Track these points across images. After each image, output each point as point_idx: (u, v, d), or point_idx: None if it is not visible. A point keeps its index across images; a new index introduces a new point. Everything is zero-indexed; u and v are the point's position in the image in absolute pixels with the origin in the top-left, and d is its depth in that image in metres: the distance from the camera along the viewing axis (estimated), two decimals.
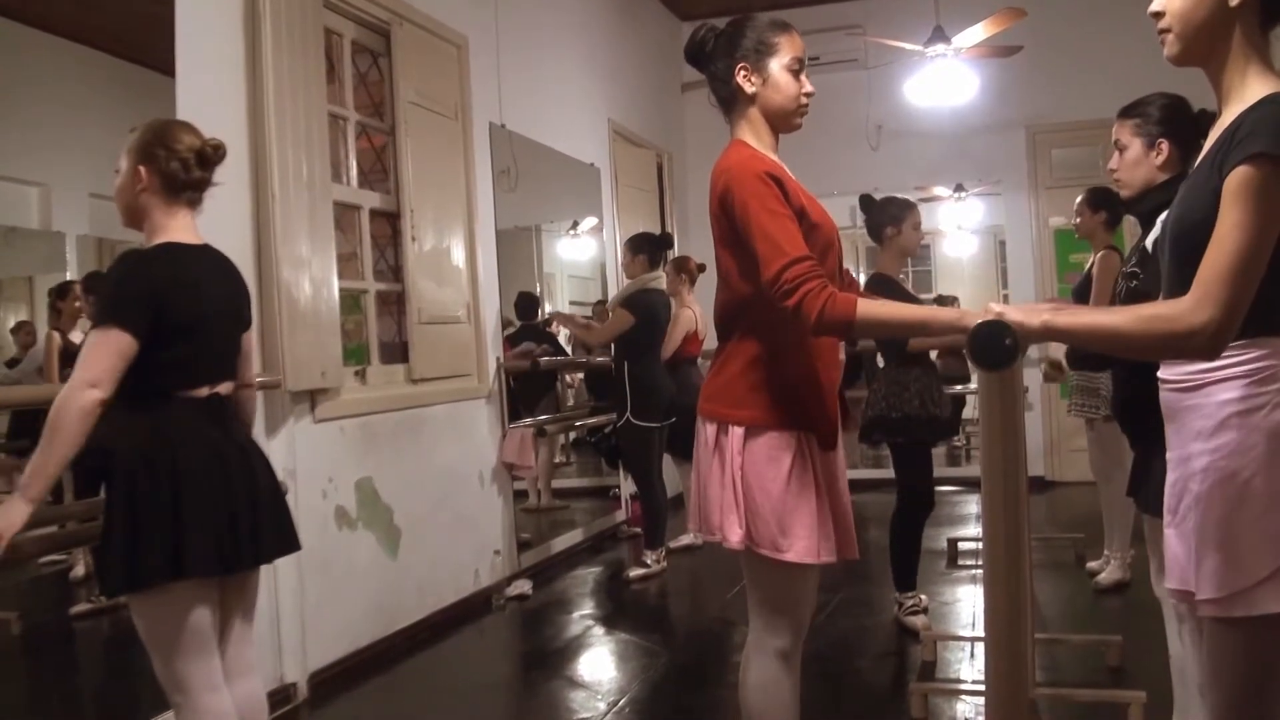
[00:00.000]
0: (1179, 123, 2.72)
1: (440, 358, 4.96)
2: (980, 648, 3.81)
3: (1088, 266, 4.82)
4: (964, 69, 6.91)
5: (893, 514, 4.36)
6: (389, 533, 4.45)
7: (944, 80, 6.91)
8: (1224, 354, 1.58)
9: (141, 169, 2.45)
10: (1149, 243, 2.72)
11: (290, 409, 3.89)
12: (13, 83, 3.45)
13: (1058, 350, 4.67)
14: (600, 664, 4.34)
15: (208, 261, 2.54)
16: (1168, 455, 1.74)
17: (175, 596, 2.37)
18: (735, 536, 2.28)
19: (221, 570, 2.44)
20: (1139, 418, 2.38)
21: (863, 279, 12.54)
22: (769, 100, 2.35)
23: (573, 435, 7.39)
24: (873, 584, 4.99)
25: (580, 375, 7.21)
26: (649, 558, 5.70)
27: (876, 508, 7.00)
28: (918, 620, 4.25)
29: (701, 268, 6.43)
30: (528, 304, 6.40)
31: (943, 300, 10.48)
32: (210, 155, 2.51)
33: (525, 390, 6.06)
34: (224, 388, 2.54)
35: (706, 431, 2.36)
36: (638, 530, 6.34)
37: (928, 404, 4.19)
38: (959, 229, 11.24)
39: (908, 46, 6.81)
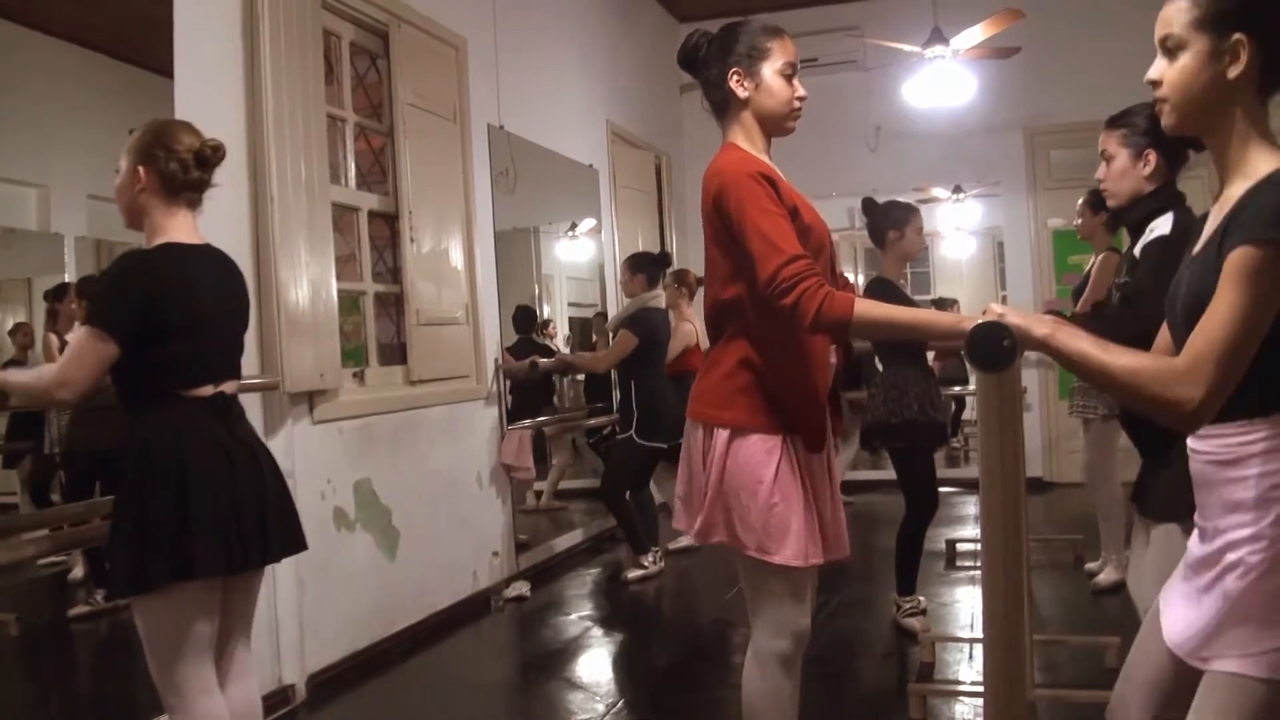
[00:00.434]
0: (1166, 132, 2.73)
1: (438, 359, 4.96)
2: (979, 649, 3.82)
3: (1087, 268, 4.83)
4: (962, 70, 6.91)
5: (902, 522, 4.33)
6: (387, 534, 4.45)
7: (942, 81, 6.91)
8: (1266, 428, 1.58)
9: (141, 169, 2.46)
10: (1138, 250, 2.72)
11: (289, 410, 3.89)
12: (11, 84, 3.44)
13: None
14: (598, 665, 4.34)
15: (208, 261, 2.54)
16: (1197, 523, 1.73)
17: (180, 599, 2.37)
18: (718, 538, 2.29)
19: (228, 571, 2.44)
20: (1150, 429, 2.37)
21: (861, 280, 12.57)
22: (761, 104, 2.36)
23: (572, 438, 7.39)
24: (871, 585, 4.99)
25: (580, 378, 7.21)
26: (646, 560, 5.70)
27: (878, 508, 7.02)
28: (916, 622, 4.25)
29: (700, 280, 6.42)
30: (525, 317, 6.41)
31: (942, 303, 10.48)
32: (209, 156, 2.51)
33: (525, 397, 6.06)
34: (228, 386, 2.55)
35: (694, 434, 2.37)
36: None
37: (927, 408, 4.19)
38: (957, 230, 11.24)
39: (906, 48, 6.82)
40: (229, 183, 3.69)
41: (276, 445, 3.77)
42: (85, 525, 3.17)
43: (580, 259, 7.48)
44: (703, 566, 6.07)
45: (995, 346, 1.71)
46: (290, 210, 3.84)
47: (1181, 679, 1.73)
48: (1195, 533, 1.73)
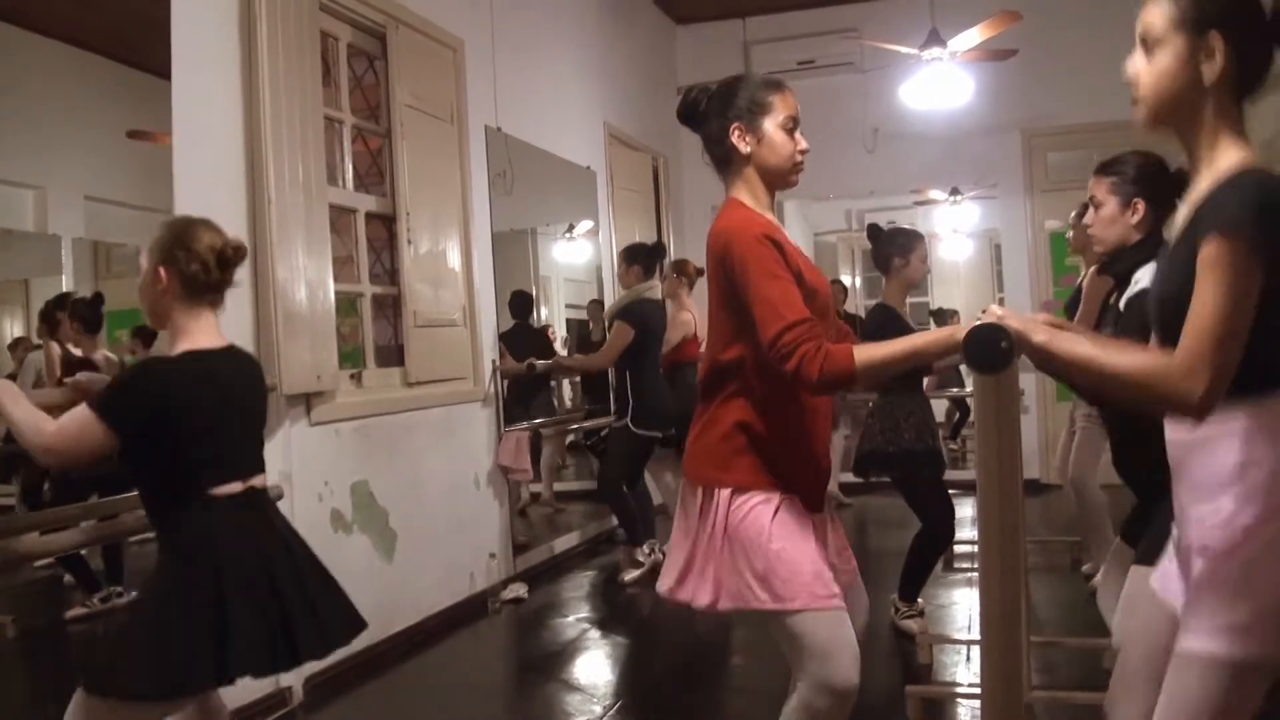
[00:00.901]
0: (1155, 182, 2.75)
1: (436, 361, 4.96)
2: (976, 650, 3.82)
3: (1079, 280, 4.82)
4: (960, 72, 6.92)
5: (920, 531, 4.30)
6: (384, 536, 4.45)
7: (940, 83, 6.92)
8: (1229, 412, 1.60)
9: (162, 271, 2.46)
10: (1123, 303, 2.73)
11: (286, 412, 3.89)
12: (8, 85, 3.44)
13: None
14: (596, 667, 4.34)
15: (230, 363, 2.55)
16: (1175, 510, 1.75)
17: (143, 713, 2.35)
18: (734, 604, 2.24)
19: (270, 670, 2.45)
20: (1144, 475, 2.38)
21: (858, 282, 12.49)
22: (764, 160, 2.34)
23: (570, 439, 7.39)
24: (869, 587, 4.98)
25: (576, 379, 7.21)
26: (639, 554, 5.69)
27: (873, 511, 7.02)
28: (913, 623, 4.24)
29: (700, 271, 6.42)
30: (522, 302, 6.40)
31: (941, 313, 10.47)
32: (230, 256, 2.52)
33: (520, 393, 6.05)
34: (257, 480, 2.55)
35: (692, 495, 2.33)
36: None
37: (924, 436, 4.18)
38: (954, 232, 11.24)
39: (903, 50, 6.82)
40: (226, 184, 3.70)
41: (274, 447, 3.77)
42: (77, 529, 3.17)
43: (577, 260, 7.48)
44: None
45: (993, 348, 1.71)
46: (288, 212, 3.84)
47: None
48: (1174, 519, 1.76)
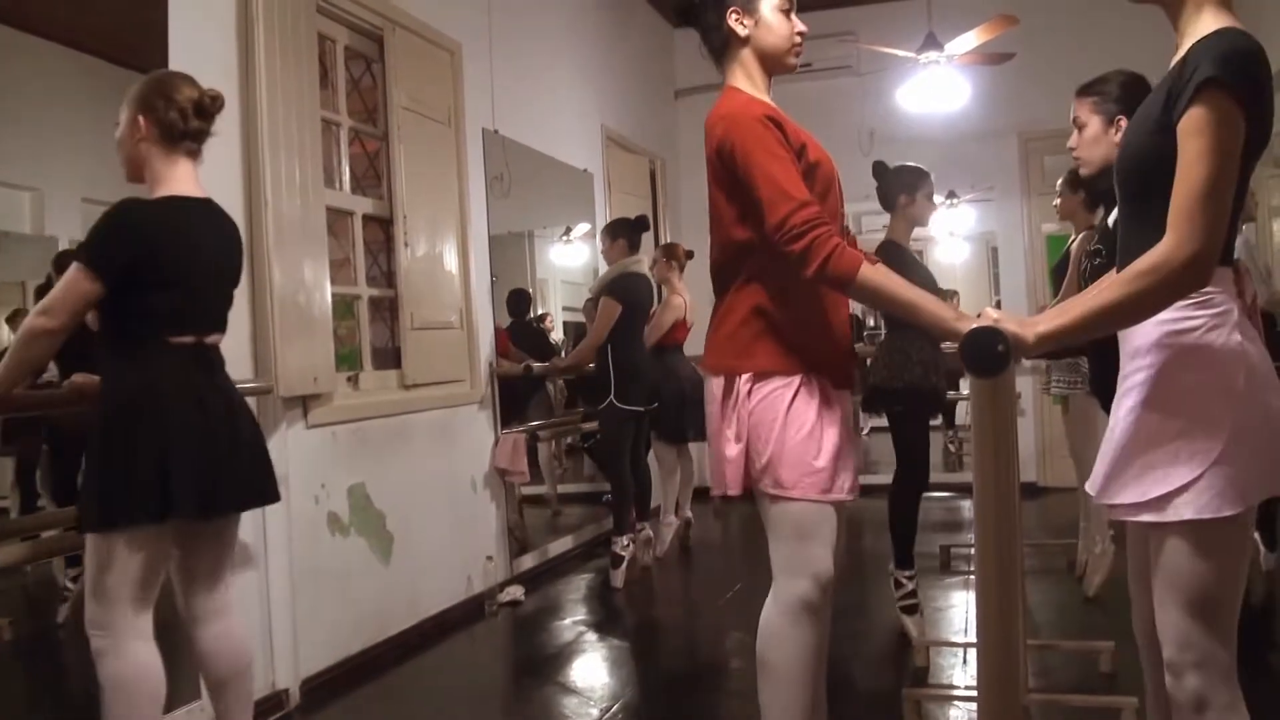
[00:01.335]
0: (1138, 99, 2.74)
1: (433, 363, 4.95)
2: (973, 653, 3.82)
3: (1067, 246, 4.83)
4: (956, 76, 6.92)
5: (891, 486, 4.32)
6: (381, 539, 4.45)
7: (937, 87, 6.92)
8: None
9: (140, 119, 2.49)
10: (1111, 220, 2.73)
11: (282, 414, 3.89)
12: (6, 87, 3.44)
13: None
14: (593, 670, 4.33)
15: (205, 214, 2.58)
16: (1119, 378, 1.79)
17: (136, 538, 2.39)
18: (739, 482, 2.26)
19: (200, 514, 2.47)
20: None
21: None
22: (762, 41, 2.36)
23: (568, 440, 7.38)
24: (866, 589, 5.00)
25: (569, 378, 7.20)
26: (617, 546, 5.61)
27: (866, 513, 7.01)
28: (911, 626, 4.24)
29: (690, 254, 6.44)
30: (519, 300, 6.40)
31: (942, 295, 10.46)
32: (208, 105, 2.56)
33: (515, 392, 6.05)
34: (213, 338, 2.58)
35: (714, 387, 2.33)
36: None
37: (930, 373, 4.16)
38: (951, 235, 11.24)
39: (900, 53, 6.83)
40: (224, 186, 3.69)
41: (271, 449, 3.75)
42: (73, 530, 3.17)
43: (574, 263, 7.48)
44: (697, 571, 6.07)
45: (990, 352, 1.71)
46: (284, 214, 3.84)
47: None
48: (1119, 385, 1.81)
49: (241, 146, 3.76)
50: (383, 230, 4.82)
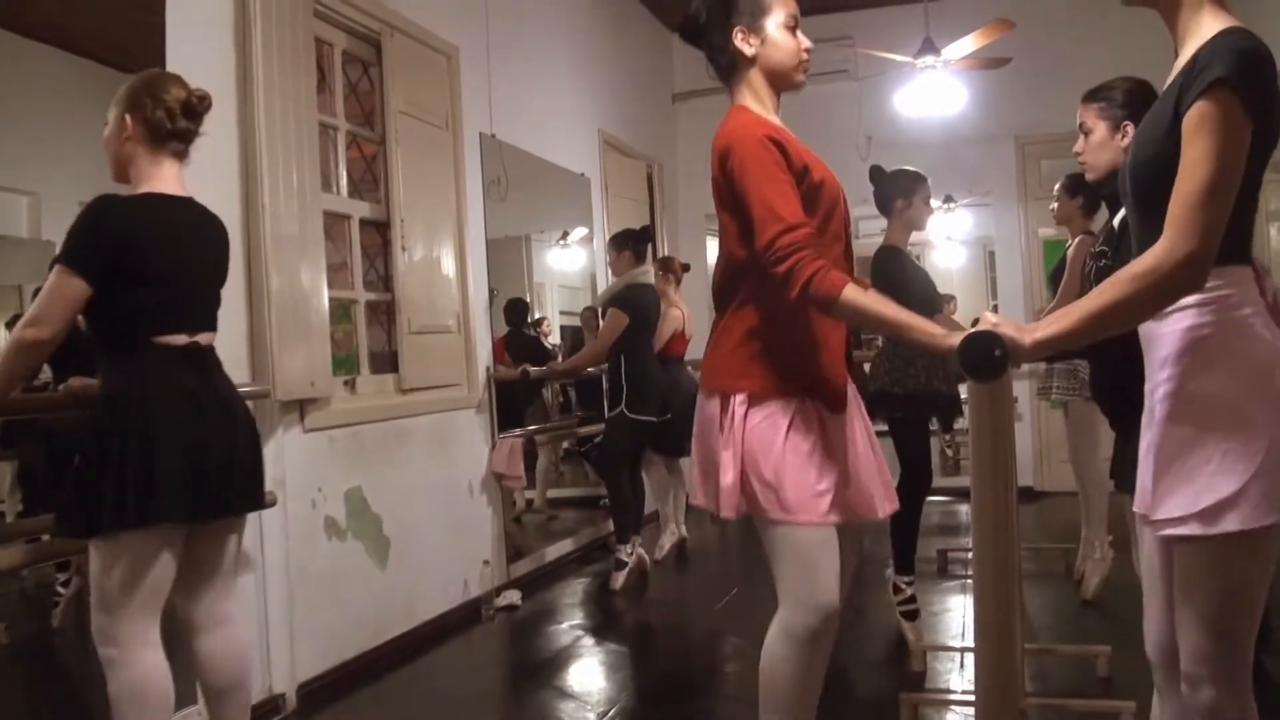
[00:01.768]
0: (1144, 105, 2.74)
1: (430, 367, 4.95)
2: (970, 658, 3.81)
3: (1064, 251, 4.83)
4: (953, 80, 6.93)
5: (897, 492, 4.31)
6: (378, 543, 4.44)
7: (934, 91, 6.93)
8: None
9: (128, 118, 2.48)
10: (1116, 223, 2.73)
11: (279, 419, 3.88)
12: (2, 91, 3.44)
13: None
14: (590, 674, 4.33)
15: (189, 213, 2.56)
16: (1145, 389, 1.77)
17: (135, 546, 2.38)
18: (736, 507, 2.25)
19: (190, 518, 2.45)
20: (1119, 399, 2.39)
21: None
22: (769, 59, 2.35)
23: (564, 445, 7.38)
24: (863, 593, 4.99)
25: (570, 384, 7.20)
26: (622, 553, 5.65)
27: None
28: (908, 631, 4.23)
29: (686, 267, 6.44)
30: (517, 309, 6.40)
31: (941, 299, 10.45)
32: (196, 106, 2.54)
33: (511, 399, 6.05)
34: (204, 337, 2.55)
35: (709, 406, 2.33)
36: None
37: (933, 379, 4.14)
38: (948, 240, 11.27)
39: (898, 58, 6.84)
40: (221, 189, 3.69)
41: (267, 454, 3.74)
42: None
43: (572, 267, 7.48)
44: (694, 575, 6.07)
45: (987, 356, 1.71)
46: (282, 218, 3.84)
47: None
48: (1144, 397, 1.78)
49: (239, 150, 3.76)
50: (380, 234, 4.82)
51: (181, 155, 2.56)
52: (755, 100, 2.37)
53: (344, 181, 4.63)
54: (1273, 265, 6.41)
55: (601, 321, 5.92)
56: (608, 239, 6.21)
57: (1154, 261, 1.58)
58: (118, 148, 2.52)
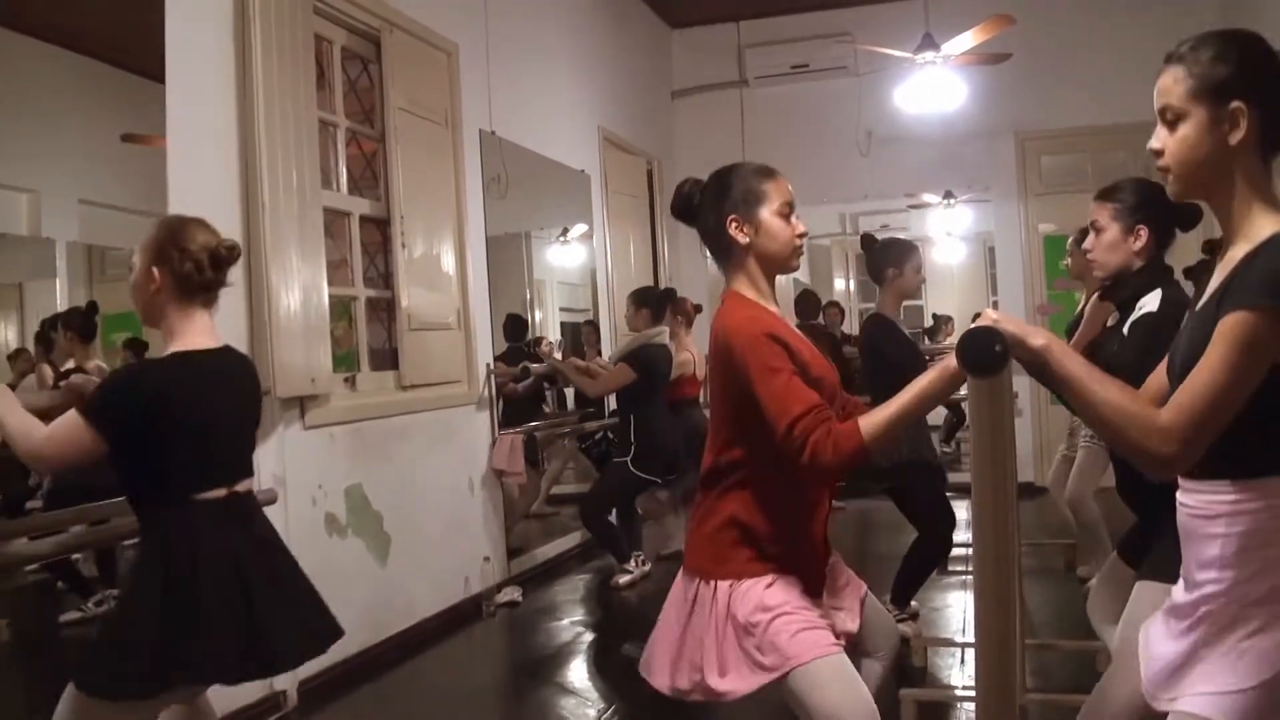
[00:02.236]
0: (1157, 208, 2.75)
1: (430, 364, 4.95)
2: (971, 653, 3.81)
3: (1080, 307, 4.81)
4: (953, 76, 6.92)
5: (916, 539, 4.31)
6: (379, 540, 4.44)
7: (934, 87, 6.92)
8: (1246, 488, 1.59)
9: (155, 270, 2.43)
10: (1126, 328, 2.73)
11: (280, 416, 3.88)
12: (2, 89, 3.44)
13: None
14: (591, 670, 4.34)
15: (222, 364, 2.53)
16: (1182, 572, 1.74)
17: (133, 708, 2.35)
18: (742, 686, 2.22)
19: (241, 678, 2.45)
20: (1143, 491, 2.37)
21: (852, 286, 12.44)
22: (764, 248, 2.33)
23: (565, 444, 7.37)
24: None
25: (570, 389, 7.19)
26: (629, 565, 5.70)
27: (871, 514, 7.02)
28: (907, 627, 4.23)
29: (698, 308, 6.42)
30: (516, 325, 6.40)
31: (938, 320, 10.47)
32: (224, 256, 2.49)
33: (515, 407, 6.06)
34: (243, 485, 2.53)
35: (688, 585, 2.32)
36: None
37: (919, 448, 4.16)
38: (948, 235, 11.26)
39: (897, 54, 6.83)
40: (220, 187, 3.70)
41: (268, 451, 3.76)
42: (64, 533, 3.16)
43: (572, 264, 7.48)
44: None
45: (987, 351, 1.71)
46: (282, 215, 3.84)
47: None
48: (1181, 580, 1.74)
49: (238, 148, 3.76)
50: (380, 231, 4.82)
51: (211, 304, 2.53)
52: (750, 286, 2.36)
53: (344, 178, 4.63)
54: None
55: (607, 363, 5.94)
56: (628, 294, 6.18)
57: (1149, 429, 1.56)
58: (146, 300, 2.48)
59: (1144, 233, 2.74)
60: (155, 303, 2.47)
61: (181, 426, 2.38)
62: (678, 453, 5.73)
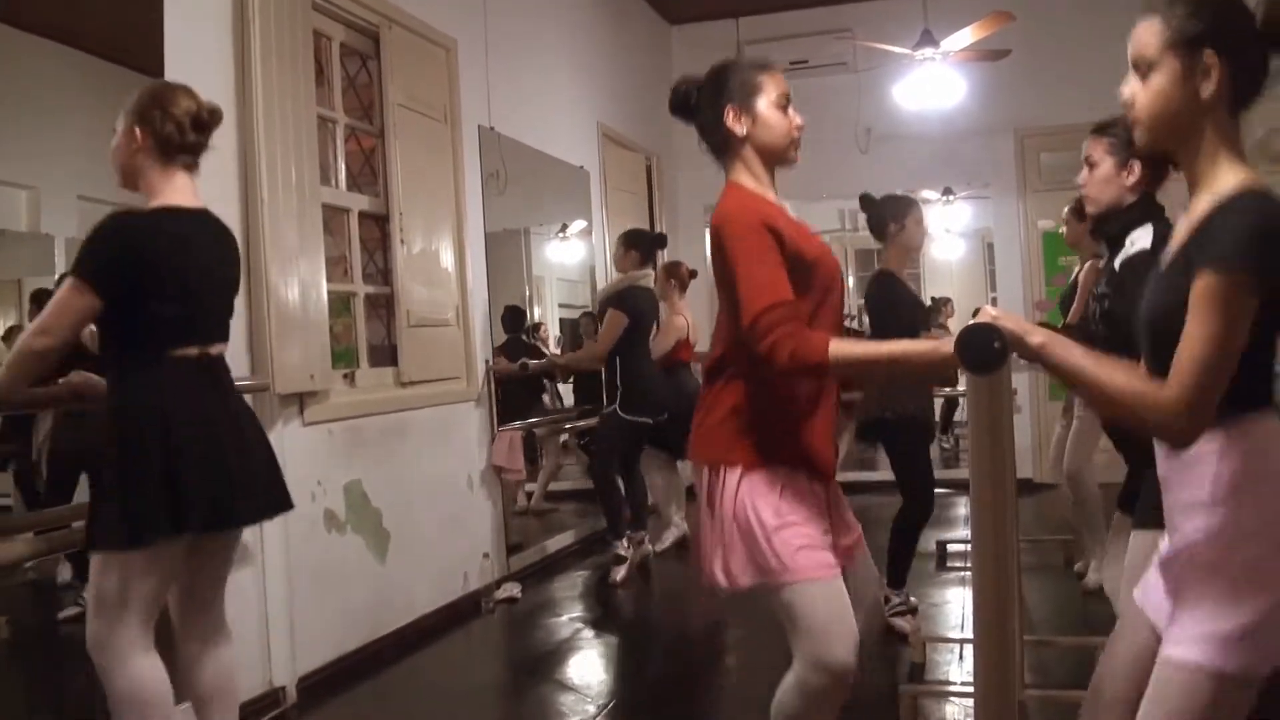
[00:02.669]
0: None
1: (429, 361, 4.95)
2: (969, 650, 3.82)
3: (1074, 274, 4.83)
4: (952, 73, 6.93)
5: (899, 511, 4.34)
6: (378, 536, 4.45)
7: (933, 84, 6.93)
8: (1213, 432, 1.60)
9: (137, 130, 2.48)
10: (1118, 263, 2.73)
11: (279, 412, 3.88)
12: (1, 85, 3.44)
13: None
14: (590, 667, 4.34)
15: (204, 226, 2.56)
16: (1166, 523, 1.74)
17: (140, 556, 2.38)
18: (743, 580, 2.25)
19: (213, 527, 2.48)
20: (1134, 439, 2.37)
21: (851, 281, 12.46)
22: (762, 138, 2.34)
23: (563, 439, 7.39)
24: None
25: (570, 380, 7.20)
26: (618, 548, 5.66)
27: (872, 509, 7.01)
28: (906, 623, 4.24)
29: (693, 274, 6.42)
30: (515, 317, 6.41)
31: (936, 302, 10.47)
32: (206, 119, 2.54)
33: (513, 399, 6.05)
34: (216, 349, 2.56)
35: (703, 477, 2.34)
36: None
37: (921, 402, 4.18)
38: (947, 232, 11.26)
39: (896, 50, 6.83)
40: (219, 184, 3.69)
41: None
42: (62, 530, 3.17)
43: (571, 260, 7.48)
44: (693, 568, 6.06)
45: (986, 348, 1.71)
46: (280, 211, 3.84)
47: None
48: (1166, 532, 1.75)
49: (237, 144, 3.75)
50: (379, 227, 4.82)
51: (192, 167, 2.56)
52: (750, 177, 2.36)
53: (343, 175, 4.63)
54: None
55: (600, 324, 5.92)
56: (619, 233, 6.18)
57: (1156, 405, 1.57)
58: (127, 159, 2.51)
59: (1137, 167, 2.74)
60: (135, 163, 2.51)
61: (164, 278, 2.41)
62: (666, 397, 5.72)
